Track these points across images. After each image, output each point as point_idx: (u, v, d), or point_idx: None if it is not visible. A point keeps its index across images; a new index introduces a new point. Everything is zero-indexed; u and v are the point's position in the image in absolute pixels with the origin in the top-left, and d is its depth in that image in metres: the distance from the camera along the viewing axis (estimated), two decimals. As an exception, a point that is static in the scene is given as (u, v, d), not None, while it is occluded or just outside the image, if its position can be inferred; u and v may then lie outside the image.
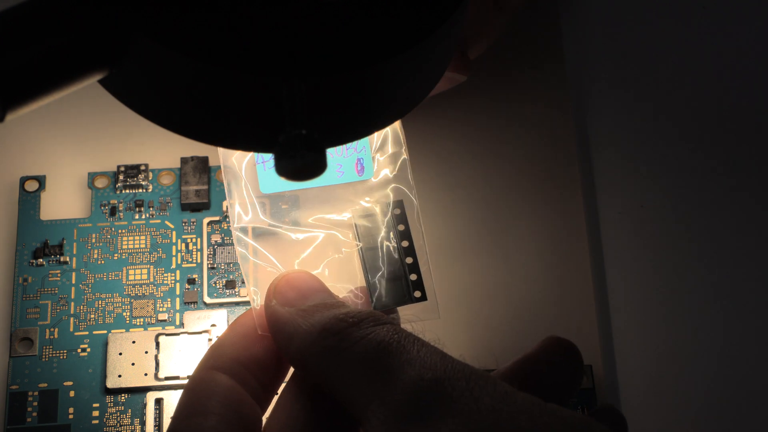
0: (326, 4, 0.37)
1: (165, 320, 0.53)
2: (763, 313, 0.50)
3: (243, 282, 0.53)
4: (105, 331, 0.52)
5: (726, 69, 0.55)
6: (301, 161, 0.37)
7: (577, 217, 0.56)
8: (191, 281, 0.53)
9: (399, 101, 0.39)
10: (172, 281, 0.53)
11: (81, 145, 0.57)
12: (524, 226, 0.56)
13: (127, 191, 0.55)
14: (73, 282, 0.53)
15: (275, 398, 0.41)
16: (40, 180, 0.55)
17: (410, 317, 0.43)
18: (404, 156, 0.46)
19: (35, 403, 0.51)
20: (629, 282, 0.51)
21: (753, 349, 0.50)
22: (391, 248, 0.45)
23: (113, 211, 0.55)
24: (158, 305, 0.53)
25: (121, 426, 0.50)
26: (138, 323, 0.52)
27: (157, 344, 0.52)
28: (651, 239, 0.52)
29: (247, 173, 0.45)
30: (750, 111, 0.54)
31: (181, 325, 0.52)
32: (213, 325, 0.52)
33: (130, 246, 0.54)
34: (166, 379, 0.51)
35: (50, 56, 0.36)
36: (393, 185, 0.46)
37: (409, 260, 0.45)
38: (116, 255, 0.54)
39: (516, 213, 0.56)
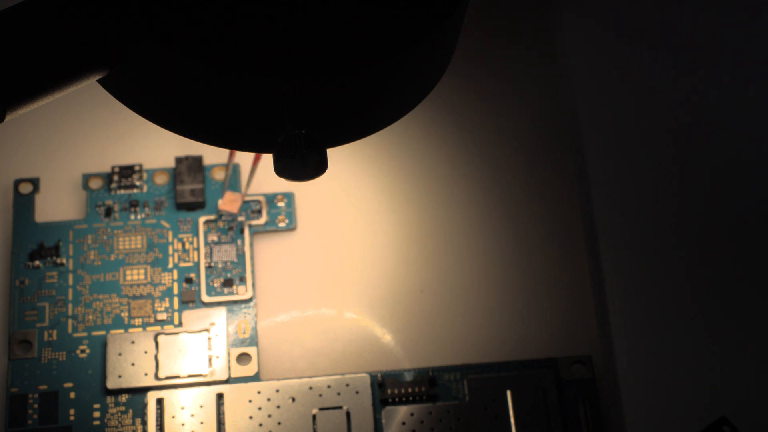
0: (326, 4, 0.37)
1: (164, 320, 0.53)
2: (762, 307, 0.51)
3: (240, 280, 0.54)
4: (104, 332, 0.52)
5: (727, 61, 0.55)
6: (301, 161, 0.37)
7: (572, 209, 0.56)
8: (189, 280, 0.54)
9: (400, 100, 0.40)
10: (170, 281, 0.54)
11: (74, 147, 0.57)
12: (520, 219, 0.56)
13: (122, 192, 0.55)
14: (71, 284, 0.53)
15: None
16: (34, 182, 0.55)
17: None
18: None
19: (36, 405, 0.51)
20: (626, 270, 0.52)
21: (751, 342, 0.50)
22: None
23: (108, 211, 0.55)
24: (156, 305, 0.53)
25: (122, 426, 0.50)
26: (137, 323, 0.53)
27: (157, 344, 0.52)
28: (649, 230, 0.52)
29: None
30: (752, 108, 0.55)
31: (180, 324, 0.53)
32: (212, 324, 0.52)
33: (127, 246, 0.54)
34: (167, 378, 0.51)
35: (50, 56, 0.36)
36: None
37: None
38: (113, 256, 0.54)
39: (512, 208, 0.56)
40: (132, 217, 0.55)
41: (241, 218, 0.55)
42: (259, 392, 0.51)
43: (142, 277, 0.54)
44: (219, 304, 0.53)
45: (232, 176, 0.56)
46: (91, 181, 0.56)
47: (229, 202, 0.53)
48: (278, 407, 0.51)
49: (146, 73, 0.38)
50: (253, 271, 0.54)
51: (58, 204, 0.56)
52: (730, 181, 0.53)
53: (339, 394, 0.51)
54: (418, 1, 0.38)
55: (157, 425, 0.50)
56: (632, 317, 0.50)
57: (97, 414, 0.51)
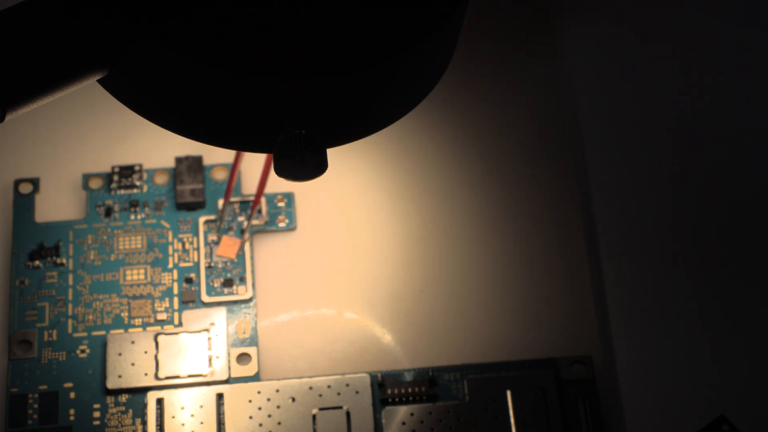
0: (326, 4, 0.37)
1: (164, 320, 0.53)
2: (761, 306, 0.51)
3: (240, 280, 0.54)
4: (104, 332, 0.52)
5: (727, 61, 0.56)
6: (301, 161, 0.37)
7: (572, 209, 0.56)
8: (189, 280, 0.54)
9: (400, 100, 0.40)
10: (170, 281, 0.54)
11: (74, 147, 0.57)
12: (520, 219, 0.56)
13: (122, 192, 0.55)
14: (71, 284, 0.53)
15: None
16: (34, 182, 0.55)
17: None
18: None
19: (36, 405, 0.51)
20: (626, 270, 0.52)
21: (751, 342, 0.50)
22: None
23: (108, 212, 0.55)
24: (156, 305, 0.53)
25: (122, 426, 0.50)
26: (137, 323, 0.53)
27: (157, 344, 0.52)
28: (649, 230, 0.52)
29: None
30: (751, 109, 0.55)
31: (180, 324, 0.53)
32: (212, 324, 0.52)
33: (127, 246, 0.54)
34: (167, 378, 0.51)
35: (50, 56, 0.36)
36: None
37: None
38: (113, 256, 0.54)
39: (512, 208, 0.56)
40: (132, 217, 0.55)
41: (241, 218, 0.55)
42: (259, 392, 0.51)
43: (142, 277, 0.54)
44: (219, 304, 0.53)
45: (232, 176, 0.56)
46: (91, 181, 0.56)
47: (226, 247, 0.53)
48: (278, 407, 0.51)
49: (146, 73, 0.38)
50: (253, 271, 0.54)
51: (58, 204, 0.56)
52: (730, 181, 0.53)
53: (339, 394, 0.51)
54: (418, 1, 0.38)
55: (157, 425, 0.50)
56: (632, 317, 0.50)
57: (97, 414, 0.51)
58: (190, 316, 0.53)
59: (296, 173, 0.37)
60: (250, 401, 0.51)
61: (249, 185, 0.56)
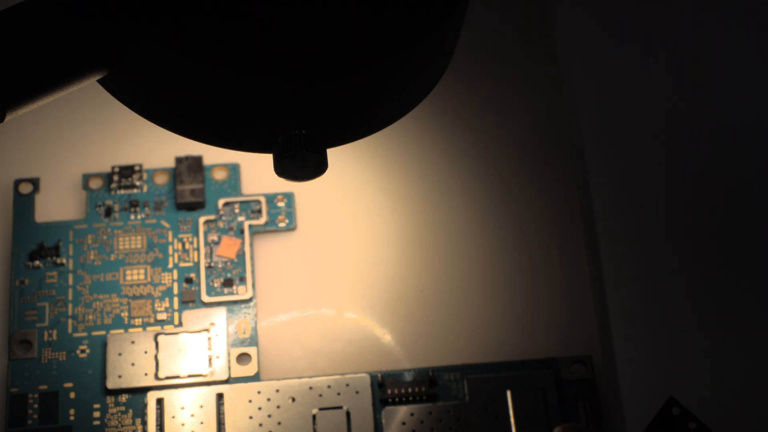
0: (326, 4, 0.37)
1: (164, 320, 0.53)
2: (761, 308, 0.51)
3: (240, 280, 0.54)
4: (104, 332, 0.52)
5: (728, 63, 0.56)
6: (301, 161, 0.37)
7: (572, 209, 0.56)
8: (189, 280, 0.54)
9: (400, 100, 0.40)
10: (170, 281, 0.54)
11: (74, 147, 0.57)
12: (521, 219, 0.56)
13: (122, 192, 0.55)
14: (71, 284, 0.53)
15: None
16: (34, 182, 0.55)
17: None
18: None
19: (36, 405, 0.51)
20: (626, 270, 0.52)
21: (749, 343, 0.50)
22: None
23: (108, 212, 0.55)
24: (156, 305, 0.53)
25: (122, 426, 0.50)
26: (137, 323, 0.53)
27: (157, 344, 0.52)
28: (649, 230, 0.52)
29: None
30: (751, 111, 0.55)
31: (180, 324, 0.53)
32: (212, 324, 0.52)
33: (127, 246, 0.54)
34: (167, 378, 0.51)
35: (50, 56, 0.36)
36: None
37: None
38: (113, 256, 0.54)
39: (512, 209, 0.56)
40: (132, 217, 0.55)
41: (241, 218, 0.55)
42: (259, 392, 0.51)
43: (142, 277, 0.54)
44: (219, 304, 0.53)
45: (232, 176, 0.56)
46: (91, 181, 0.56)
47: (226, 247, 0.53)
48: (278, 407, 0.51)
49: (146, 73, 0.38)
50: (253, 271, 0.54)
51: (58, 204, 0.56)
52: (730, 182, 0.53)
53: (339, 394, 0.51)
54: (418, 1, 0.38)
55: (157, 425, 0.50)
56: (632, 317, 0.50)
57: (97, 414, 0.51)
58: (190, 316, 0.53)
59: (296, 173, 0.37)
60: (250, 401, 0.51)
61: (249, 185, 0.56)
